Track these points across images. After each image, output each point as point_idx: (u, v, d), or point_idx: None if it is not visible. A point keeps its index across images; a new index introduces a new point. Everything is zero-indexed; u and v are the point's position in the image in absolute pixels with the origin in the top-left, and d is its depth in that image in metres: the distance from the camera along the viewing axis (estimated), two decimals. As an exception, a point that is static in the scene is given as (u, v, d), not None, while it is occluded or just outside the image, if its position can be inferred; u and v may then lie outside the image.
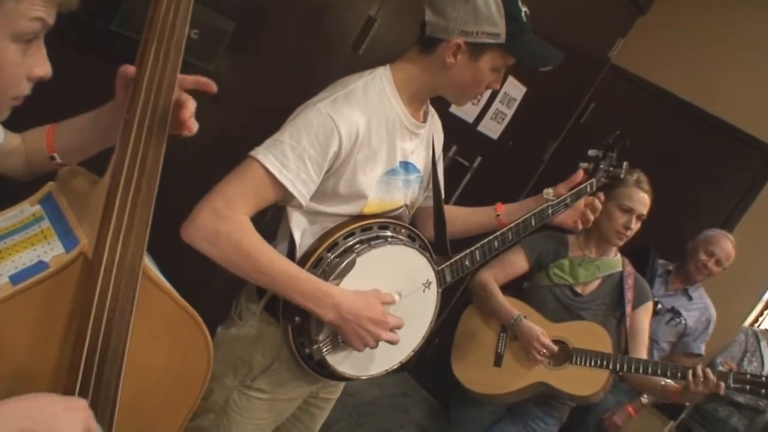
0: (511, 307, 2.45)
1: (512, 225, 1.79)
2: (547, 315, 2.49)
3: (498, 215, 1.87)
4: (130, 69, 1.02)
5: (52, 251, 0.98)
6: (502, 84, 3.34)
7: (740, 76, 3.85)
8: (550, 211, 1.86)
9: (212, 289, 2.20)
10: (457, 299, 4.19)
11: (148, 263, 1.08)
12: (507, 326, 2.46)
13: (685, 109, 3.97)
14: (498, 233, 1.76)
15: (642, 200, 2.43)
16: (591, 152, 2.08)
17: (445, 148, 3.28)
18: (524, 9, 1.47)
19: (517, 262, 2.60)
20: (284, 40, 2.19)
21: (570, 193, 1.91)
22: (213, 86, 1.07)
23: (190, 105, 1.04)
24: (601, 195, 1.97)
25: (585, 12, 3.72)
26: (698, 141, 3.95)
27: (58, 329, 0.98)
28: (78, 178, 1.15)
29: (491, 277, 2.54)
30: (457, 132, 3.32)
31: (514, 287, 2.63)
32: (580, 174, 1.93)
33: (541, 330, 2.35)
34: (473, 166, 3.49)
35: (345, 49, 2.39)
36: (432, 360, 4.22)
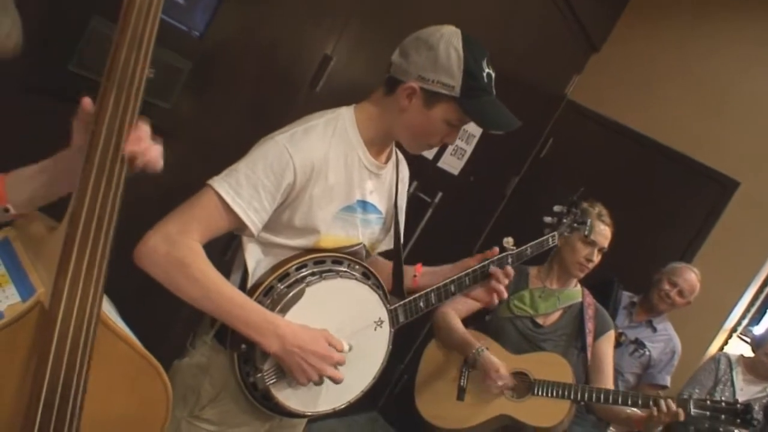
0: (473, 339, 2.44)
1: (470, 270, 1.74)
2: (509, 347, 2.48)
3: (415, 276, 1.82)
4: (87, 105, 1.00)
5: (7, 300, 0.98)
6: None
7: (692, 108, 3.97)
8: (510, 260, 1.82)
9: (179, 327, 2.16)
10: (425, 335, 4.17)
11: (107, 309, 1.07)
12: (468, 359, 2.44)
13: (641, 142, 4.07)
14: (455, 277, 1.72)
15: (604, 233, 2.46)
16: (556, 208, 2.16)
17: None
18: (488, 70, 1.47)
19: None
20: (241, 78, 2.21)
21: (531, 244, 1.93)
22: None
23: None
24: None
25: (541, 50, 3.81)
26: (655, 172, 4.04)
27: (12, 380, 0.97)
28: (35, 223, 1.14)
29: (452, 311, 2.52)
30: (417, 168, 3.32)
31: (477, 320, 2.62)
32: (495, 251, 1.81)
33: (500, 363, 2.34)
34: (434, 201, 3.51)
35: (302, 87, 2.41)
36: (401, 398, 4.18)
